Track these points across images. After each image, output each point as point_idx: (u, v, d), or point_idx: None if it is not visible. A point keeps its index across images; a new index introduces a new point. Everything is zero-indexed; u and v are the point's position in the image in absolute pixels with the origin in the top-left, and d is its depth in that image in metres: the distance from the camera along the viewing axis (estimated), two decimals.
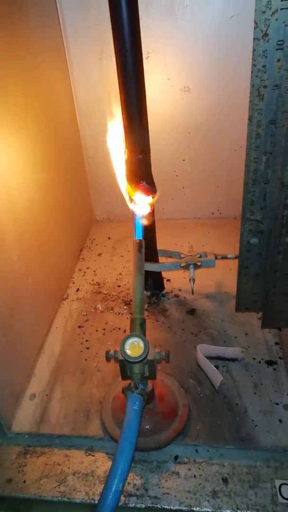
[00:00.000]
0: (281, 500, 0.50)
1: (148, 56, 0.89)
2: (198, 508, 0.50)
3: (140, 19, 0.58)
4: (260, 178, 0.50)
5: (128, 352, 0.48)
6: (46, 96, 0.80)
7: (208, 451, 0.56)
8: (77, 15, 0.87)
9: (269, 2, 0.40)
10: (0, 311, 0.59)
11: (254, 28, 0.41)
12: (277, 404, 0.60)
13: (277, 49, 0.42)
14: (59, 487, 0.53)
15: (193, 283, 0.75)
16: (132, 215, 0.63)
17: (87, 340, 0.75)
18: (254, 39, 0.42)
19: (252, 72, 0.44)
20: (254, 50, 0.43)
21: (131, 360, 0.48)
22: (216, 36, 0.86)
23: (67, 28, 0.89)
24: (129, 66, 0.58)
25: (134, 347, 0.49)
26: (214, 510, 0.50)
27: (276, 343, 0.70)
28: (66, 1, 0.86)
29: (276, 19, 0.41)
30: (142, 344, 0.49)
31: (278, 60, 0.43)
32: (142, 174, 0.66)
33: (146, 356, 0.48)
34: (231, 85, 0.91)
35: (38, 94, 0.75)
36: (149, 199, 0.66)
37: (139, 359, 0.48)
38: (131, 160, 0.66)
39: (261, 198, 0.52)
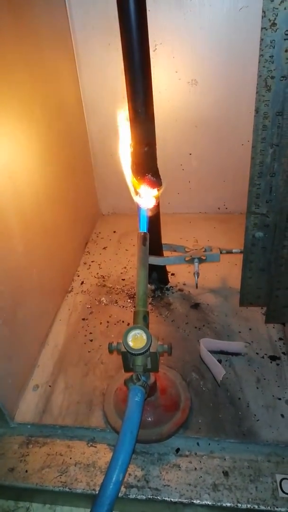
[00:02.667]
0: (281, 494, 0.50)
1: (156, 49, 0.88)
2: (198, 501, 0.50)
3: (148, 11, 0.57)
4: (266, 171, 0.50)
5: (131, 344, 0.48)
6: (52, 89, 0.79)
7: (209, 444, 0.56)
8: (84, 7, 0.87)
9: None
10: (5, 302, 0.59)
11: (262, 17, 0.41)
12: (280, 399, 0.60)
13: (285, 39, 0.41)
14: (60, 477, 0.54)
15: (198, 277, 0.75)
16: (137, 207, 0.63)
17: (90, 333, 0.75)
18: (262, 28, 0.41)
19: (259, 62, 0.43)
20: (261, 40, 0.42)
21: (133, 352, 0.48)
22: (224, 28, 0.85)
23: (75, 20, 0.88)
24: (136, 58, 0.57)
25: (136, 339, 0.49)
26: (214, 503, 0.50)
27: (280, 339, 0.70)
28: None
29: (285, 8, 0.40)
30: (144, 336, 0.49)
31: (286, 51, 0.42)
32: (147, 166, 0.66)
33: (148, 348, 0.48)
34: (239, 78, 0.89)
35: (45, 87, 0.75)
36: (154, 191, 0.66)
37: (142, 351, 0.48)
38: (137, 153, 0.65)
39: (267, 191, 0.51)
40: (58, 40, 0.83)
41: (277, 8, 0.40)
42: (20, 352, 0.65)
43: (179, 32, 0.87)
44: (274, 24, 0.41)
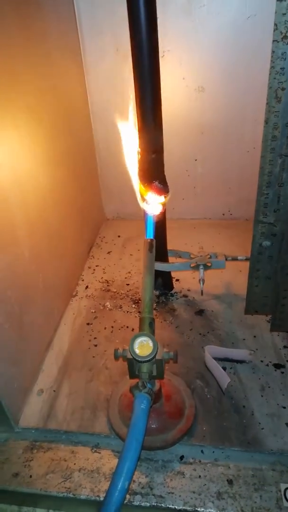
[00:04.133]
0: (286, 504, 0.50)
1: (164, 55, 0.89)
2: (202, 509, 0.50)
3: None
4: (274, 181, 0.50)
5: (137, 351, 0.49)
6: (60, 94, 0.80)
7: (213, 452, 0.56)
8: (93, 13, 0.87)
9: None
10: (11, 307, 0.59)
11: (274, 30, 0.41)
12: (284, 407, 0.60)
13: None
14: (64, 483, 0.54)
15: (203, 284, 0.75)
16: (144, 214, 0.64)
17: (95, 338, 0.75)
18: (273, 41, 0.42)
19: (270, 74, 0.43)
20: (273, 52, 0.42)
21: (139, 359, 0.48)
22: (232, 36, 0.86)
23: (83, 26, 0.89)
24: (145, 65, 0.58)
25: (143, 346, 0.49)
26: (218, 511, 0.50)
27: (285, 347, 0.70)
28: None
29: None
30: (151, 344, 0.49)
31: None
32: (154, 173, 0.66)
33: (154, 356, 0.48)
34: (246, 86, 0.90)
35: (53, 92, 0.75)
36: (161, 198, 0.66)
37: (148, 359, 0.48)
38: (144, 160, 0.66)
39: (275, 201, 0.52)
40: (66, 46, 0.84)
41: None
42: (25, 357, 0.65)
43: (186, 40, 0.88)
44: (285, 37, 0.41)
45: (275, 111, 0.45)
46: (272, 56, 0.42)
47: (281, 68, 0.43)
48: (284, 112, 0.45)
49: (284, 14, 0.40)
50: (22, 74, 0.62)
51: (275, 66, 0.43)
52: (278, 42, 0.42)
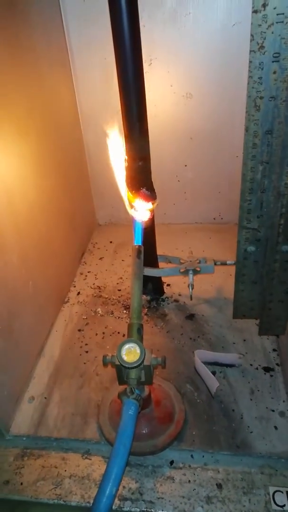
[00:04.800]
0: (274, 507, 0.50)
1: (151, 63, 0.90)
2: None
3: (143, 27, 0.59)
4: (256, 187, 0.51)
5: (125, 357, 0.49)
6: (49, 101, 0.81)
7: (203, 456, 0.56)
8: (81, 23, 0.88)
9: (265, 16, 0.41)
10: (0, 314, 0.60)
11: (251, 41, 0.42)
12: (273, 411, 0.61)
13: (273, 61, 0.43)
14: (55, 490, 0.54)
15: (192, 289, 0.76)
16: (132, 220, 0.64)
17: (86, 344, 0.76)
18: (251, 51, 0.43)
19: (248, 83, 0.44)
20: (250, 62, 0.43)
21: (127, 366, 0.49)
22: (218, 44, 0.87)
23: (71, 35, 0.90)
24: (129, 76, 0.58)
25: (130, 353, 0.49)
26: None
27: (274, 350, 0.70)
28: (71, 9, 0.87)
29: (272, 32, 0.41)
30: (138, 350, 0.49)
31: (274, 72, 0.43)
32: (142, 180, 0.67)
33: (142, 362, 0.49)
34: (233, 92, 0.91)
35: (41, 100, 0.76)
36: (149, 205, 0.67)
37: (135, 365, 0.48)
38: (131, 167, 0.66)
39: (258, 207, 0.53)
40: (54, 56, 0.85)
41: (264, 32, 0.41)
42: (16, 364, 0.65)
43: (174, 47, 0.89)
44: (262, 47, 0.42)
45: (255, 120, 0.46)
46: (249, 66, 0.43)
47: (258, 78, 0.43)
48: (264, 120, 0.46)
49: (260, 25, 0.41)
50: (8, 83, 0.63)
51: (253, 75, 0.44)
52: (255, 52, 0.42)
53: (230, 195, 1.06)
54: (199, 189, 1.07)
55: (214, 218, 1.12)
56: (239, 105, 0.92)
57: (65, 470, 0.56)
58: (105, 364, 0.52)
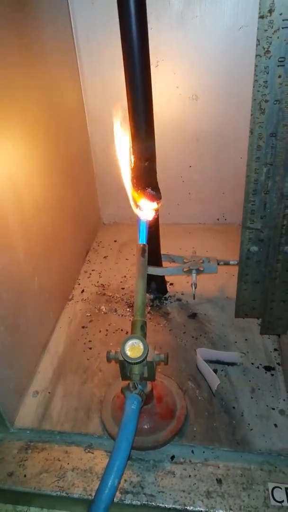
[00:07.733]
0: (273, 502, 0.51)
1: (158, 65, 0.91)
2: (192, 507, 0.51)
3: (150, 29, 0.60)
4: (260, 189, 0.52)
5: (128, 353, 0.50)
6: (57, 103, 0.82)
7: (204, 452, 0.57)
8: (89, 23, 0.89)
9: (271, 22, 0.42)
10: (6, 310, 0.61)
11: (256, 45, 0.43)
12: (273, 409, 0.61)
13: (278, 66, 0.44)
14: (58, 482, 0.55)
15: (195, 288, 0.77)
16: (137, 219, 0.65)
17: (90, 341, 0.77)
18: (256, 55, 0.44)
19: (253, 87, 0.45)
20: (256, 66, 0.44)
21: (130, 361, 0.50)
22: (225, 46, 0.88)
23: (79, 35, 0.91)
24: (137, 78, 0.59)
25: (134, 349, 0.50)
26: (207, 510, 0.51)
27: (275, 349, 0.71)
28: (79, 12, 0.88)
29: (278, 37, 0.42)
30: (141, 346, 0.50)
31: (279, 76, 0.44)
32: (147, 180, 0.68)
33: (145, 358, 0.50)
34: (239, 94, 0.92)
35: (49, 101, 0.77)
36: (153, 205, 0.68)
37: (139, 360, 0.49)
38: (137, 167, 0.67)
39: (261, 208, 0.53)
40: (62, 55, 0.86)
41: (270, 37, 0.42)
42: (21, 359, 0.66)
43: (180, 49, 0.90)
44: (268, 51, 0.43)
45: (260, 122, 0.47)
46: (255, 70, 0.44)
47: (264, 81, 0.44)
48: (268, 123, 0.47)
49: (266, 30, 0.42)
50: (16, 79, 0.63)
51: (258, 79, 0.45)
52: (261, 56, 0.43)
53: (234, 196, 1.07)
54: (204, 190, 1.08)
55: (218, 219, 1.13)
56: (244, 107, 0.92)
57: (68, 463, 0.57)
58: (109, 360, 0.53)
